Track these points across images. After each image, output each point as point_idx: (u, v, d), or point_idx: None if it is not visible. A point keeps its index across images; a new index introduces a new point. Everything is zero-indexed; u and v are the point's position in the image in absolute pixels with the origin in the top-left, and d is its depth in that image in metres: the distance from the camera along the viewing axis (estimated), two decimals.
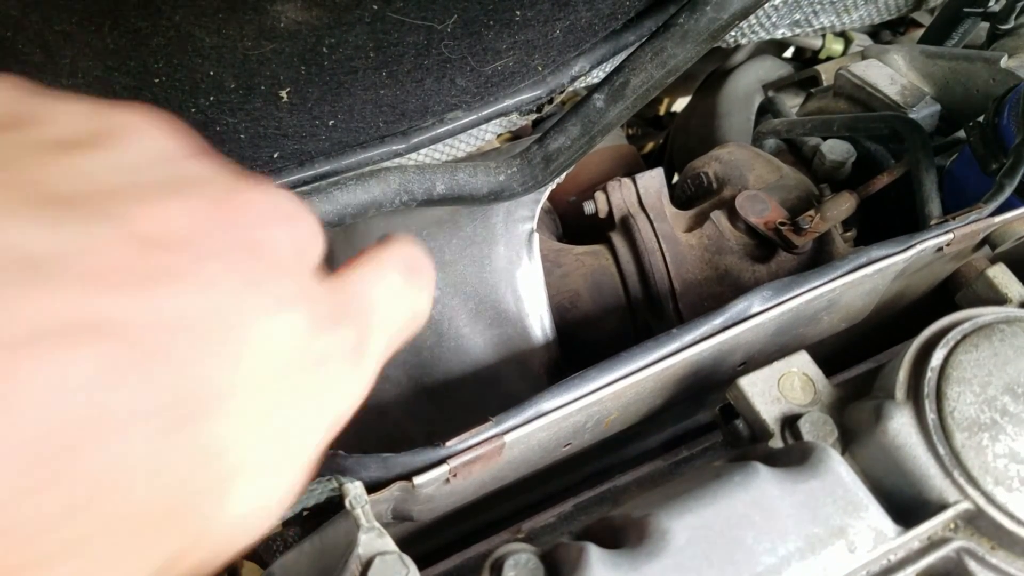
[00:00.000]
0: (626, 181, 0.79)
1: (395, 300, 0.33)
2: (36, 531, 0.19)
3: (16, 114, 0.25)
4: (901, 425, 0.45)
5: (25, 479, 0.19)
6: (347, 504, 0.40)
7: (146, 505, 0.22)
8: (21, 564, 0.20)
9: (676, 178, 0.92)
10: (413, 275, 0.34)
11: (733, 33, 0.85)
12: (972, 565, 0.42)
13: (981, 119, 0.72)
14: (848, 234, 0.77)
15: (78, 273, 0.21)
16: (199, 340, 0.23)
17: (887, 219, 0.77)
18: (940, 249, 0.58)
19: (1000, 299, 0.57)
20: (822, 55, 1.12)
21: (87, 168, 0.24)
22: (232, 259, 0.25)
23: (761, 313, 0.54)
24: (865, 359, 0.58)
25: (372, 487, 0.42)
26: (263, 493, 0.26)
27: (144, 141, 0.28)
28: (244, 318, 0.24)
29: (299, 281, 0.27)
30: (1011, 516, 0.42)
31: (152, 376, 0.21)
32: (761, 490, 0.42)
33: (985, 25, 0.92)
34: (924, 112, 0.81)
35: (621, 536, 0.42)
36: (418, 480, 0.43)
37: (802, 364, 0.52)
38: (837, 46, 1.10)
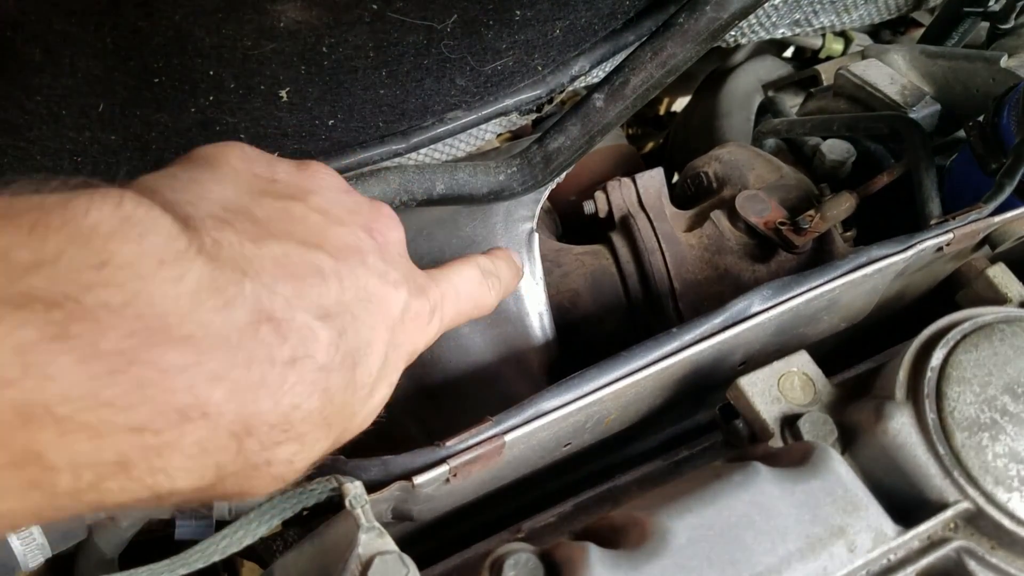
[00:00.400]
0: (626, 181, 0.79)
1: (465, 290, 0.49)
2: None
3: (268, 176, 0.41)
4: (901, 425, 0.45)
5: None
6: (347, 504, 0.40)
7: (341, 407, 0.37)
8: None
9: (676, 178, 0.92)
10: (487, 277, 0.51)
11: (733, 33, 0.85)
12: (972, 565, 0.42)
13: (981, 119, 0.72)
14: (848, 234, 0.77)
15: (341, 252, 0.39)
16: (370, 304, 0.39)
17: (887, 219, 0.77)
18: (940, 249, 0.58)
19: (1000, 299, 0.57)
20: (822, 55, 1.12)
21: (319, 202, 0.41)
22: (381, 255, 0.41)
23: (761, 313, 0.54)
24: (865, 359, 0.58)
25: (372, 487, 0.42)
26: (381, 397, 0.41)
27: (327, 187, 0.44)
28: (387, 296, 0.41)
29: (405, 267, 0.44)
30: (1011, 516, 0.42)
31: (359, 328, 0.38)
32: (761, 490, 0.42)
33: (985, 25, 0.92)
34: (924, 112, 0.81)
35: (621, 536, 0.42)
36: (418, 480, 0.43)
37: (802, 364, 0.52)
38: (837, 46, 1.10)
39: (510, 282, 0.55)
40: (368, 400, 0.40)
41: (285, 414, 0.33)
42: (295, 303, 0.34)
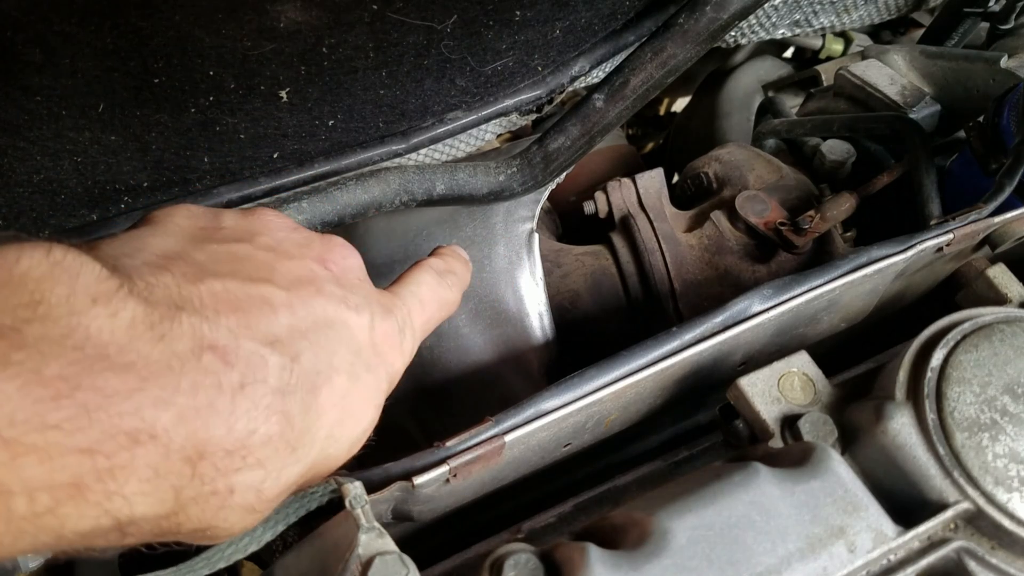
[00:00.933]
0: (626, 181, 0.79)
1: (428, 296, 0.49)
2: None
3: (212, 226, 0.42)
4: (901, 425, 0.45)
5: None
6: (347, 504, 0.40)
7: (305, 431, 0.37)
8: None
9: (676, 178, 0.92)
10: (444, 276, 0.51)
11: (733, 33, 0.85)
12: (972, 565, 0.42)
13: (981, 119, 0.72)
14: (848, 234, 0.77)
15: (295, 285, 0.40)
16: (330, 330, 0.40)
17: (887, 219, 0.77)
18: (940, 249, 0.58)
19: (1000, 299, 0.57)
20: (822, 55, 1.12)
21: (267, 242, 0.42)
22: (338, 283, 0.42)
23: (761, 313, 0.54)
24: (865, 359, 0.58)
25: (372, 487, 0.42)
26: (367, 422, 0.42)
27: (275, 227, 0.44)
28: (347, 320, 0.41)
29: (365, 291, 0.44)
30: (1011, 516, 0.42)
31: (318, 352, 0.39)
32: (761, 490, 0.42)
33: (985, 25, 0.92)
34: (924, 112, 0.81)
35: (621, 536, 0.42)
36: (418, 480, 0.43)
37: (802, 364, 0.52)
38: (837, 46, 1.10)
39: (464, 275, 0.55)
40: (343, 424, 0.40)
41: (240, 439, 0.34)
42: (240, 332, 0.35)
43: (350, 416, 0.41)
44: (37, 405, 0.28)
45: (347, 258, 0.45)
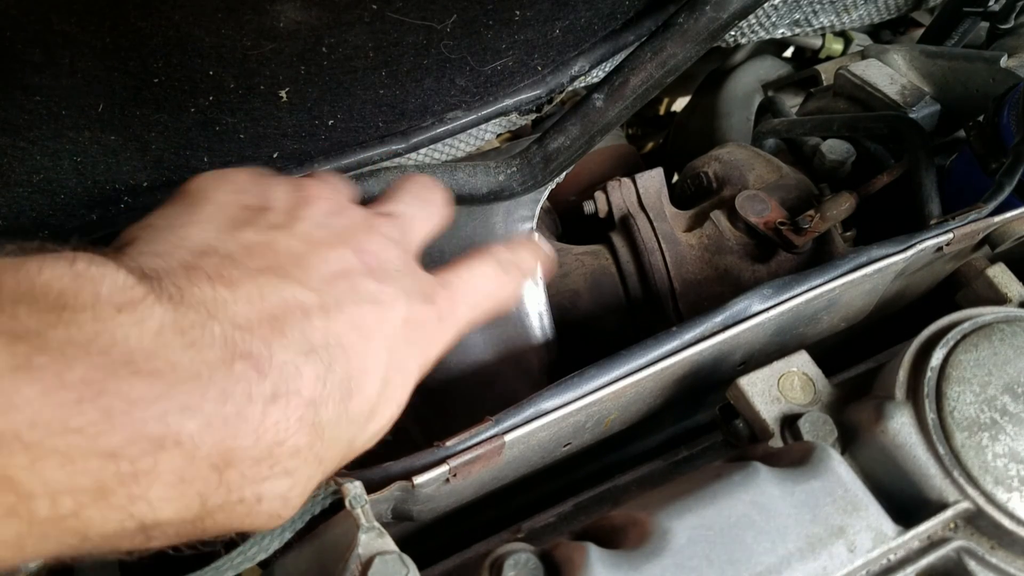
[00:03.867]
0: (626, 181, 0.79)
1: (482, 287, 0.48)
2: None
3: (257, 205, 0.42)
4: (901, 425, 0.45)
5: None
6: (347, 504, 0.40)
7: (334, 442, 0.38)
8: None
9: (676, 178, 0.92)
10: (505, 268, 0.49)
11: (733, 33, 0.85)
12: (972, 565, 0.42)
13: (981, 119, 0.72)
14: (848, 234, 0.77)
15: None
16: (362, 329, 0.39)
17: (887, 219, 0.77)
18: (940, 249, 0.58)
19: (1000, 299, 0.57)
20: (822, 55, 1.12)
21: (295, 236, 0.41)
22: (373, 275, 0.41)
23: (761, 313, 0.54)
24: (865, 359, 0.58)
25: (372, 487, 0.42)
26: (387, 419, 0.41)
27: (318, 207, 0.44)
28: (381, 316, 0.40)
29: (403, 280, 0.43)
30: (1011, 516, 0.42)
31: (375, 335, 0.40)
32: (761, 490, 0.42)
33: (985, 25, 0.92)
34: (924, 112, 0.81)
35: (621, 536, 0.42)
36: (418, 480, 0.43)
37: (802, 364, 0.52)
38: (837, 46, 1.10)
39: (531, 267, 0.53)
40: (367, 425, 0.40)
41: (268, 449, 0.33)
42: (274, 340, 0.34)
43: (374, 418, 0.40)
44: (59, 409, 0.27)
45: (387, 249, 0.44)
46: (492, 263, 0.49)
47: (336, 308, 0.38)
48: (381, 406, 0.40)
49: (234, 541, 0.37)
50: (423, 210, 0.51)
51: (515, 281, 0.50)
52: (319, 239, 0.41)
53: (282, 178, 0.46)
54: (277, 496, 0.35)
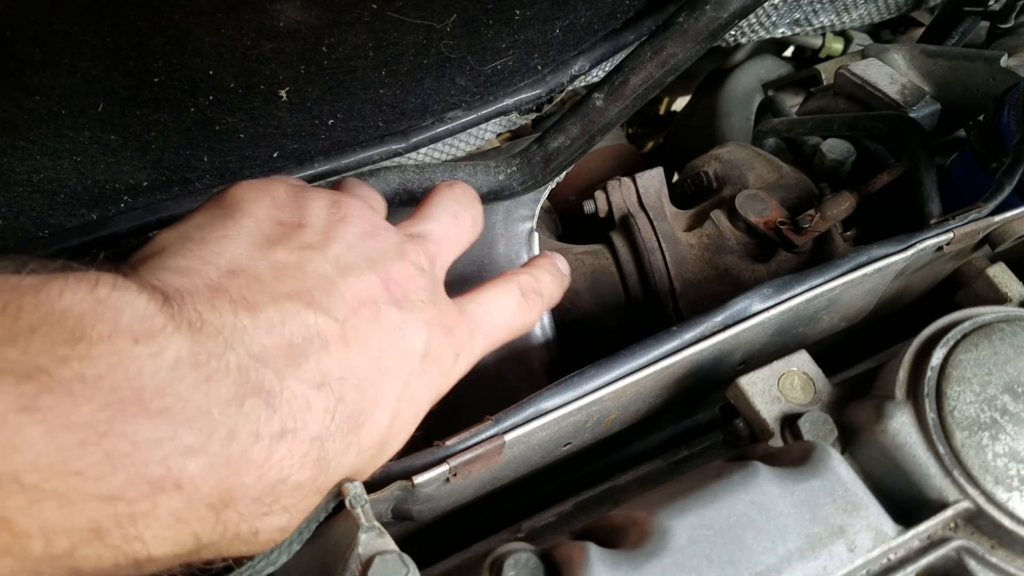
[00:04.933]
0: (626, 180, 0.79)
1: (501, 319, 0.47)
2: None
3: (293, 221, 0.41)
4: (901, 424, 0.45)
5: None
6: (347, 504, 0.40)
7: (336, 474, 0.37)
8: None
9: (676, 177, 0.92)
10: (528, 298, 0.49)
11: (733, 32, 0.85)
12: (972, 564, 0.42)
13: (981, 118, 0.72)
14: (848, 233, 0.77)
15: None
16: (381, 362, 0.39)
17: (887, 219, 0.77)
18: (940, 248, 0.58)
19: (1000, 298, 0.57)
20: (822, 54, 1.12)
21: (327, 259, 0.40)
22: (397, 305, 0.41)
23: (761, 312, 0.54)
24: (865, 358, 0.58)
25: (372, 487, 0.42)
26: (392, 451, 0.41)
27: (352, 229, 0.42)
28: (401, 347, 0.40)
29: (427, 311, 0.42)
30: (1011, 515, 0.42)
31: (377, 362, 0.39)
32: (761, 489, 0.42)
33: (985, 24, 0.92)
34: (924, 111, 0.81)
35: (621, 535, 0.42)
36: (418, 480, 0.43)
37: (802, 363, 0.52)
38: (837, 45, 1.10)
39: (555, 293, 0.53)
40: (373, 457, 0.40)
41: (271, 487, 0.33)
42: (288, 372, 0.34)
43: (382, 450, 0.40)
44: (61, 451, 0.27)
45: (414, 278, 0.43)
46: (515, 294, 0.49)
47: (356, 339, 0.38)
48: (390, 439, 0.40)
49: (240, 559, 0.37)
50: (455, 229, 0.50)
51: (536, 311, 0.50)
52: (349, 264, 0.40)
53: (321, 192, 0.45)
54: (275, 529, 0.34)
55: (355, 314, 0.38)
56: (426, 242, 0.47)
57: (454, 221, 0.50)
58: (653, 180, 0.79)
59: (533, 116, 0.75)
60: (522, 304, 0.49)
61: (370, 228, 0.44)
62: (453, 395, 0.69)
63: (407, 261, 0.43)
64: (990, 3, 0.88)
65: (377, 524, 0.40)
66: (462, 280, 0.69)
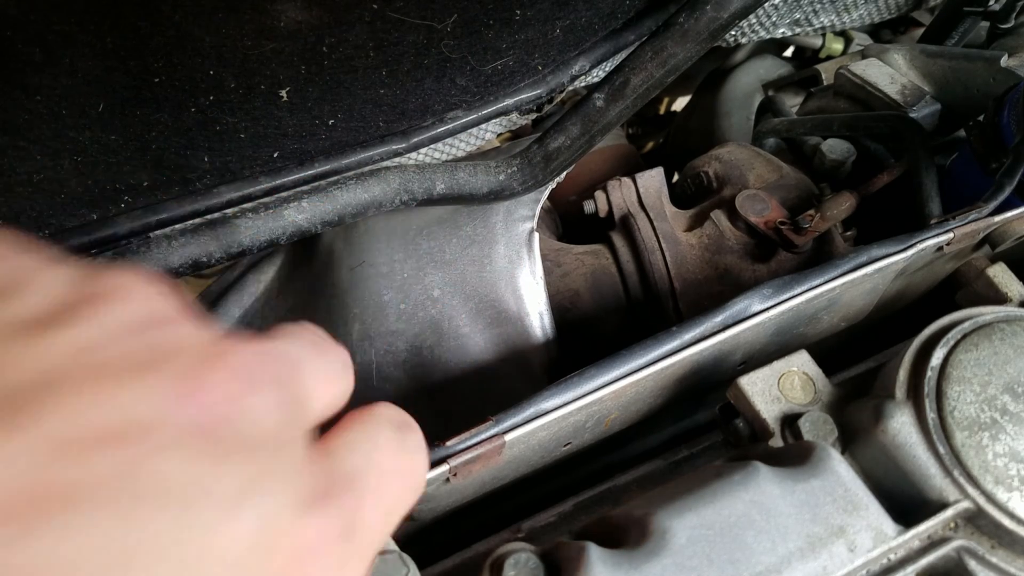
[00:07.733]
0: (626, 180, 0.79)
1: (389, 464, 0.28)
2: None
3: (4, 282, 0.23)
4: (901, 424, 0.45)
5: None
6: None
7: None
8: None
9: (676, 177, 0.92)
10: (404, 434, 0.29)
11: (733, 32, 0.85)
12: (972, 564, 0.42)
13: (981, 118, 0.72)
14: (848, 233, 0.77)
15: None
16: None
17: (887, 219, 0.77)
18: (940, 248, 0.58)
19: (1000, 298, 0.57)
20: (822, 54, 1.12)
21: (41, 352, 0.21)
22: (188, 447, 0.21)
23: (761, 312, 0.54)
24: (865, 358, 0.58)
25: None
26: None
27: (119, 310, 0.23)
28: (196, 531, 0.20)
29: (275, 458, 0.23)
30: (1011, 515, 0.42)
31: None
32: (761, 489, 0.42)
33: (985, 24, 0.92)
34: (924, 111, 0.81)
35: (621, 535, 0.42)
36: None
37: (802, 363, 0.52)
38: (837, 45, 1.10)
39: (421, 436, 0.31)
40: None
41: None
42: None
43: None
44: None
45: (251, 391, 0.23)
46: (389, 428, 0.29)
47: (88, 515, 0.19)
48: None
49: None
50: (320, 360, 0.28)
51: (419, 453, 0.30)
52: (104, 362, 0.21)
53: (68, 261, 0.25)
54: None
55: (96, 456, 0.21)
56: (278, 355, 0.26)
57: (313, 347, 0.29)
58: (653, 180, 0.79)
59: (533, 116, 0.75)
60: (403, 442, 0.30)
61: (154, 315, 0.25)
62: (454, 395, 0.69)
63: (239, 364, 0.24)
64: (990, 3, 0.88)
65: None
66: (462, 280, 0.69)
